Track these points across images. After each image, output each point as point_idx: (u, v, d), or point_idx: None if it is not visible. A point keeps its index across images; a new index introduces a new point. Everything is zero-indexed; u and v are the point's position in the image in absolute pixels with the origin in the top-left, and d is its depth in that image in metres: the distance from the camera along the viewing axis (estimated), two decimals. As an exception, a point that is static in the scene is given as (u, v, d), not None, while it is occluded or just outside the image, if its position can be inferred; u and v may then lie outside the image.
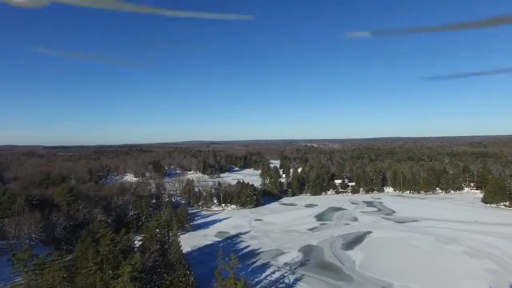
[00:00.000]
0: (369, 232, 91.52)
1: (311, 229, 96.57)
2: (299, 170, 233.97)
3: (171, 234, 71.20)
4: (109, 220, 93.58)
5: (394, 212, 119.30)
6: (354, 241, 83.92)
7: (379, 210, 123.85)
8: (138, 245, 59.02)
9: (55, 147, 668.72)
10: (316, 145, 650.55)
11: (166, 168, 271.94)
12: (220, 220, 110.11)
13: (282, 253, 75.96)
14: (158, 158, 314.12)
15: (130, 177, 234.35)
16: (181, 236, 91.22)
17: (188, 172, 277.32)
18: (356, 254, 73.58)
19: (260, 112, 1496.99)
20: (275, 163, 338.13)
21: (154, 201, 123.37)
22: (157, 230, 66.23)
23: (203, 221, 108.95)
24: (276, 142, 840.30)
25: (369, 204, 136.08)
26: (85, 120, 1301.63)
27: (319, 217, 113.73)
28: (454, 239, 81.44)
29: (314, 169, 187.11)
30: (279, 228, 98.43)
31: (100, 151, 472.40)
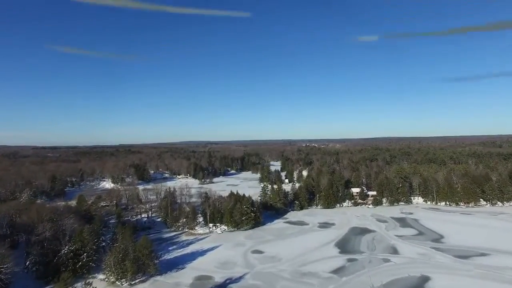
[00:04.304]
0: (426, 279, 59.91)
1: (336, 271, 64.70)
2: (304, 173, 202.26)
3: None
4: (27, 263, 61.41)
5: (442, 237, 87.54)
6: (411, 299, 52.28)
7: (420, 233, 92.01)
8: None
9: (44, 148, 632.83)
10: (316, 145, 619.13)
11: (152, 172, 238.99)
12: (203, 252, 77.89)
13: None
14: (145, 160, 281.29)
15: (108, 183, 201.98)
16: (140, 286, 59.40)
17: (177, 176, 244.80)
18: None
19: (259, 111, 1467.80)
20: (276, 165, 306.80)
21: (114, 221, 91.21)
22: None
23: (178, 254, 76.62)
24: (275, 142, 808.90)
25: (402, 222, 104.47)
26: (83, 120, 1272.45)
27: (342, 245, 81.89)
28: None
29: (324, 174, 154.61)
30: (289, 269, 66.50)
31: (87, 152, 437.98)
